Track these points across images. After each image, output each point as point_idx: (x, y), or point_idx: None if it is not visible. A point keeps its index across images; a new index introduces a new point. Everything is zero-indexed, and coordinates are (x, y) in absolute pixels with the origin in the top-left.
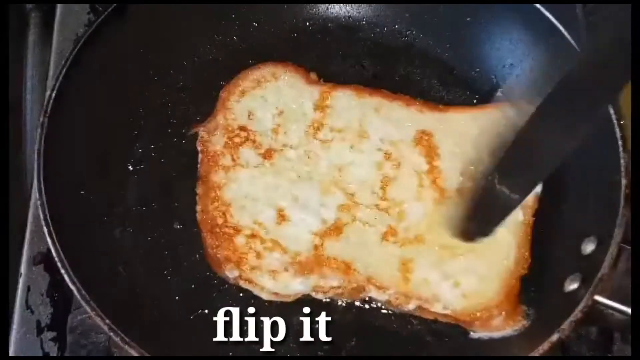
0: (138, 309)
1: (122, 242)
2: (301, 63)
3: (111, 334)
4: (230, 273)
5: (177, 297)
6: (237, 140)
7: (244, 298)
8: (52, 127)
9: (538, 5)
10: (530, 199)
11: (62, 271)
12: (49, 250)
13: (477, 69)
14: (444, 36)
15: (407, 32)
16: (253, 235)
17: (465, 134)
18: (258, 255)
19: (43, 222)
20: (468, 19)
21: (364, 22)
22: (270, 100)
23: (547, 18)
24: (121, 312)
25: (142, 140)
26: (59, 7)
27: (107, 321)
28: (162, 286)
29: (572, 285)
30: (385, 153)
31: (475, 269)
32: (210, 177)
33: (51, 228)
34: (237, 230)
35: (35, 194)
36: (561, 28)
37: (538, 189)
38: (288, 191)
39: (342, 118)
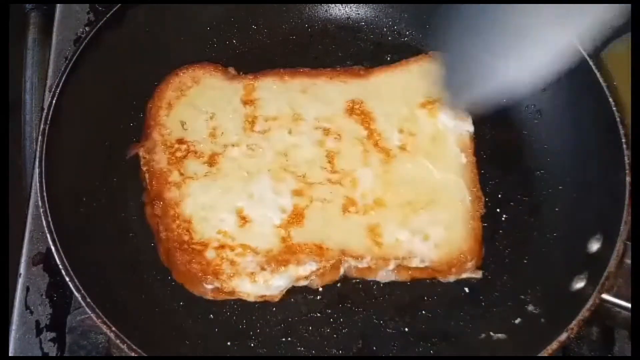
0: (139, 311)
1: (125, 247)
2: (300, 65)
3: (111, 334)
4: (210, 285)
5: (182, 303)
6: (178, 154)
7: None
8: (53, 134)
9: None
10: (467, 138)
11: (63, 272)
12: (48, 250)
13: None
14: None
15: (407, 33)
16: (222, 246)
17: (393, 93)
18: (232, 263)
19: (46, 230)
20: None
21: (363, 23)
22: (198, 105)
23: None
24: (121, 313)
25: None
26: (58, 7)
27: (107, 322)
28: (166, 291)
29: (578, 284)
30: (323, 129)
31: (438, 218)
32: (164, 195)
33: (55, 236)
34: (205, 245)
35: (36, 197)
36: None
37: (470, 128)
38: (242, 190)
39: (273, 106)
